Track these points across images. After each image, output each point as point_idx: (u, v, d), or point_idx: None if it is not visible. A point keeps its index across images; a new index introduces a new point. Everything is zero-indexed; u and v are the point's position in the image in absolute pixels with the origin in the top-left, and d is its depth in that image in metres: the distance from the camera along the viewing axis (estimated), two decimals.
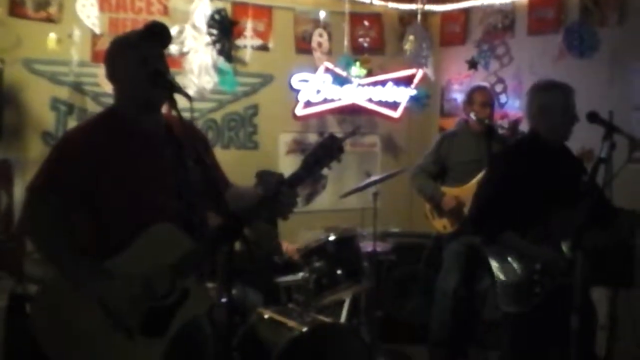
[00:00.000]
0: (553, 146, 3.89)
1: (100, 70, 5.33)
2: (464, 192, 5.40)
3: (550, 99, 3.86)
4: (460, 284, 5.50)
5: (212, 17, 5.79)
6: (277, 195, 2.69)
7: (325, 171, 2.79)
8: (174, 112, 2.66)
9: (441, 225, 5.57)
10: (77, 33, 5.29)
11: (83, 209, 2.73)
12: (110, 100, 2.97)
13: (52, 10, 5.33)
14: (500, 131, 6.09)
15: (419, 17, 6.64)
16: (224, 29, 5.86)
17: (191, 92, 5.41)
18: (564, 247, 3.67)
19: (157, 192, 2.75)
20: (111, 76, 2.84)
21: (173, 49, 5.43)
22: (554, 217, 3.68)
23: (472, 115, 5.50)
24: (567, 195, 3.65)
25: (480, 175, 5.32)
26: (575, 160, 3.97)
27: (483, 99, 5.54)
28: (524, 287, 3.73)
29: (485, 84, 6.01)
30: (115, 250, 2.68)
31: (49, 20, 5.33)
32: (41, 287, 2.84)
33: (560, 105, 3.83)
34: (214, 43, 5.80)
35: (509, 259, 3.79)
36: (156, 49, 2.79)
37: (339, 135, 2.81)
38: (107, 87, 5.11)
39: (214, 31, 5.81)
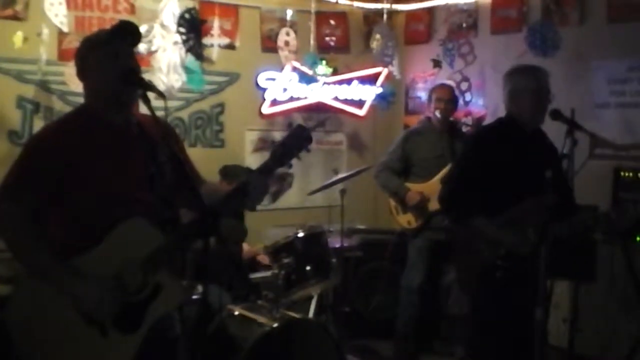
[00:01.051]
0: (527, 130, 3.93)
1: (67, 69, 5.32)
2: (428, 187, 5.48)
3: (521, 83, 3.90)
4: (425, 280, 5.57)
5: (182, 16, 5.80)
6: (246, 185, 2.70)
7: (291, 169, 2.80)
8: (147, 110, 2.67)
9: (405, 220, 5.64)
10: (45, 31, 5.25)
11: (54, 207, 2.73)
12: (77, 99, 2.98)
13: (19, 7, 5.29)
14: (465, 129, 6.19)
15: (384, 16, 6.70)
16: (194, 28, 5.87)
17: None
18: (529, 234, 3.73)
19: (129, 188, 2.76)
20: (82, 74, 2.83)
21: (142, 47, 5.41)
22: (521, 203, 3.74)
23: (437, 113, 5.59)
24: (535, 181, 3.72)
25: (443, 172, 5.42)
26: (549, 147, 4.00)
27: (446, 97, 5.63)
28: (487, 271, 3.80)
29: (448, 82, 6.10)
30: (87, 246, 2.68)
31: (15, 18, 5.29)
32: (15, 285, 2.84)
33: (531, 88, 3.87)
34: (184, 42, 5.81)
35: (475, 244, 3.85)
36: (127, 47, 2.80)
37: (307, 125, 2.84)
38: (74, 86, 5.15)
39: (184, 30, 5.82)
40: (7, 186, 2.71)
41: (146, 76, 2.81)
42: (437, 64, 6.58)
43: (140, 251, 2.69)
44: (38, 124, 5.36)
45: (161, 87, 5.57)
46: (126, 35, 2.78)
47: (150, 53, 5.65)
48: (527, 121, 3.92)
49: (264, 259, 5.30)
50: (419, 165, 5.63)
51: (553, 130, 4.03)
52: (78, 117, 2.84)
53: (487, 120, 6.11)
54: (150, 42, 5.59)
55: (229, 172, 5.40)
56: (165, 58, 5.66)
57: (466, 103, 6.46)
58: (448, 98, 5.64)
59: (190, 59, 5.93)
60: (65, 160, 2.68)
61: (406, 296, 5.65)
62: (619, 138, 5.34)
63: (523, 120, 3.92)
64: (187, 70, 5.90)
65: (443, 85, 5.79)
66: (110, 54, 2.72)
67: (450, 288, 5.81)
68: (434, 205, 5.44)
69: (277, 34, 6.46)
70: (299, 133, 2.72)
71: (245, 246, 5.39)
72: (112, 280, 2.67)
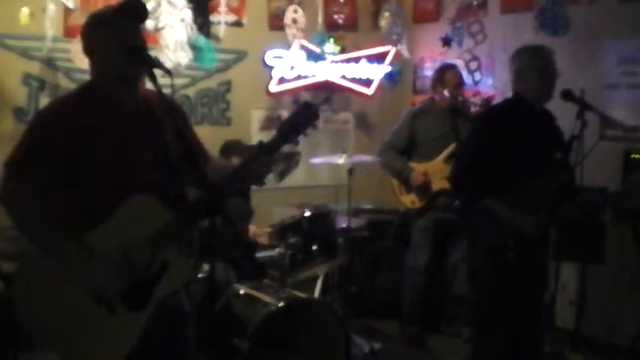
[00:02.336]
0: (535, 109, 3.94)
1: (73, 46, 5.30)
2: (432, 167, 5.48)
3: (527, 62, 3.93)
4: (431, 261, 5.57)
5: None
6: (254, 161, 2.68)
7: (295, 146, 2.78)
8: (154, 87, 2.65)
9: (410, 201, 5.63)
10: (51, 8, 5.21)
11: (62, 183, 2.72)
12: (82, 76, 2.96)
13: None
14: (473, 109, 6.15)
15: None
16: (201, 5, 5.81)
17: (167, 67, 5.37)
18: (541, 215, 3.71)
19: (136, 164, 2.74)
20: (88, 51, 2.81)
21: (149, 24, 5.37)
22: (530, 185, 3.73)
23: (446, 93, 5.55)
24: (543, 162, 3.70)
25: (447, 151, 5.40)
26: (557, 129, 4.02)
27: (456, 80, 5.61)
28: (497, 251, 3.78)
29: (455, 63, 6.07)
30: (94, 222, 2.67)
31: None
32: (22, 263, 2.83)
33: (537, 67, 3.90)
34: (194, 19, 5.76)
35: (486, 224, 3.83)
36: (133, 24, 2.77)
37: (314, 102, 2.81)
38: (80, 63, 5.13)
39: (192, 7, 5.76)
40: (14, 163, 2.69)
41: (153, 53, 2.78)
42: (446, 43, 6.52)
43: (148, 228, 2.67)
44: (44, 101, 5.34)
45: (168, 64, 5.51)
46: (133, 12, 2.76)
47: (158, 30, 5.60)
48: (535, 100, 3.94)
49: (264, 240, 5.28)
50: (423, 144, 5.61)
51: (562, 112, 4.01)
52: (84, 94, 2.82)
53: (496, 101, 6.06)
54: (157, 19, 5.53)
55: (229, 148, 5.38)
56: (172, 35, 5.60)
57: (475, 83, 6.41)
58: (458, 81, 5.62)
59: (200, 37, 5.87)
60: (71, 138, 2.66)
61: (411, 277, 5.65)
62: (629, 119, 5.28)
63: (530, 99, 3.94)
64: (197, 48, 5.85)
65: (452, 67, 5.75)
66: (117, 31, 2.69)
67: (457, 268, 5.79)
68: (437, 185, 5.45)
69: (284, 12, 6.41)
70: (306, 110, 2.69)
71: (252, 228, 5.38)
72: (120, 257, 2.66)
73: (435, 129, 5.58)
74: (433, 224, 5.54)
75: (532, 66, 3.90)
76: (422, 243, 5.59)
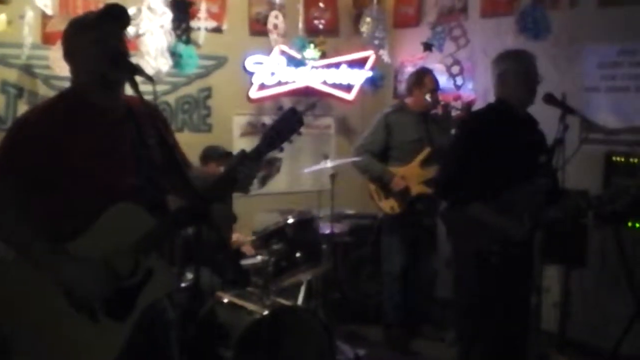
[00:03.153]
0: (517, 114, 3.94)
1: (52, 53, 5.24)
2: (408, 172, 5.49)
3: (507, 66, 3.94)
4: (406, 266, 5.55)
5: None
6: (237, 169, 2.65)
7: (278, 152, 2.76)
8: (134, 93, 2.62)
9: (388, 206, 5.59)
10: (29, 14, 5.16)
11: (41, 189, 2.68)
12: (61, 83, 2.92)
13: None
14: (454, 113, 6.17)
15: None
16: (182, 11, 5.78)
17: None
18: (525, 219, 3.72)
19: (117, 171, 2.71)
20: (68, 56, 2.77)
21: (130, 31, 5.33)
22: (515, 189, 3.73)
23: (428, 97, 5.56)
24: (527, 166, 3.70)
25: (422, 155, 5.43)
26: (540, 133, 4.02)
27: (433, 84, 5.65)
28: (482, 256, 3.77)
29: (435, 67, 6.09)
30: (75, 229, 2.64)
31: None
32: (1, 269, 2.78)
33: (517, 72, 3.90)
34: (174, 25, 5.73)
35: (470, 228, 3.83)
36: (115, 29, 2.75)
37: (299, 108, 2.79)
38: (59, 70, 5.08)
39: (172, 13, 5.72)
40: None
41: (134, 60, 2.75)
42: (427, 47, 6.51)
43: (131, 236, 2.65)
44: (22, 109, 5.27)
45: (149, 71, 5.46)
46: (116, 17, 2.73)
47: (138, 36, 5.56)
48: (517, 104, 3.95)
49: (249, 249, 5.26)
50: (397, 148, 5.61)
51: (543, 116, 4.02)
52: (64, 100, 2.78)
53: (477, 104, 6.07)
54: (137, 25, 5.50)
55: (209, 154, 5.36)
56: (152, 42, 5.56)
57: (457, 87, 6.41)
58: (435, 86, 5.67)
59: (180, 44, 5.84)
60: (50, 144, 2.63)
61: (389, 283, 5.63)
62: (609, 122, 5.31)
63: (512, 103, 3.94)
64: (176, 54, 5.83)
65: (429, 72, 5.78)
66: (99, 37, 2.66)
67: (437, 272, 5.79)
68: (415, 189, 5.45)
69: (265, 17, 6.39)
70: (291, 116, 2.68)
71: (235, 235, 5.35)
72: (102, 264, 2.62)
73: (410, 132, 5.59)
74: (409, 229, 5.52)
75: (514, 70, 3.90)
76: (398, 248, 5.58)
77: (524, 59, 3.96)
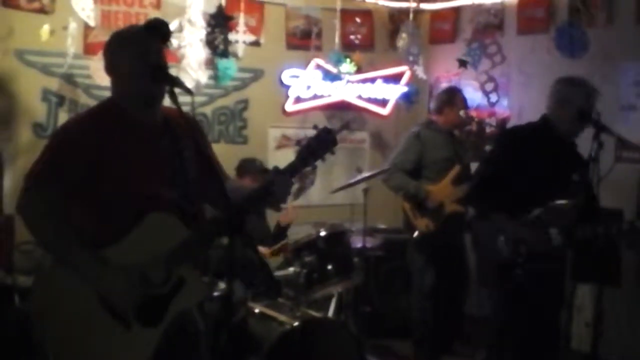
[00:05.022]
0: (558, 134, 3.95)
1: (93, 63, 5.34)
2: (441, 189, 5.46)
3: (571, 95, 3.93)
4: (437, 283, 5.52)
5: (212, 13, 5.80)
6: (271, 184, 2.71)
7: (314, 166, 2.81)
8: (174, 105, 2.67)
9: (424, 224, 5.52)
10: (72, 25, 5.27)
11: (80, 198, 2.74)
12: (102, 93, 2.99)
13: (45, 1, 5.32)
14: (488, 130, 6.17)
15: (411, 14, 6.65)
16: (221, 24, 5.86)
17: (188, 86, 5.42)
18: (552, 233, 3.71)
19: (154, 181, 2.77)
20: (110, 69, 2.84)
21: (172, 42, 5.42)
22: (545, 205, 3.72)
23: (462, 114, 5.59)
24: (561, 185, 3.70)
25: (453, 173, 5.45)
26: (578, 157, 4.02)
27: (463, 103, 5.68)
28: (507, 268, 3.77)
29: (471, 84, 6.11)
30: (111, 239, 2.69)
31: (42, 11, 5.33)
32: (37, 277, 2.85)
33: (579, 105, 3.89)
34: (214, 38, 5.81)
35: (498, 239, 3.83)
36: (156, 43, 2.80)
37: (333, 127, 2.84)
38: (99, 80, 5.17)
39: (212, 26, 5.81)
40: (34, 175, 2.73)
41: (174, 72, 2.81)
42: (462, 63, 6.52)
43: (165, 245, 2.70)
44: (63, 117, 5.39)
45: (189, 83, 5.55)
46: (156, 31, 2.79)
47: (179, 48, 5.64)
48: (563, 132, 3.96)
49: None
50: (429, 167, 5.59)
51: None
52: (104, 111, 2.85)
53: (512, 122, 6.06)
54: (179, 37, 5.58)
55: (245, 167, 5.42)
56: (193, 54, 5.64)
57: (491, 104, 6.41)
58: (465, 104, 5.70)
59: (219, 57, 5.93)
60: (91, 154, 2.69)
61: (419, 300, 5.61)
62: None
63: (559, 129, 3.95)
64: (214, 67, 5.93)
65: (460, 91, 5.82)
66: (141, 51, 2.73)
67: (469, 288, 5.77)
68: (449, 207, 5.43)
69: (302, 31, 6.45)
70: (325, 135, 2.73)
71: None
72: (137, 273, 2.68)
73: (441, 151, 5.58)
74: (440, 246, 5.52)
75: (577, 106, 3.89)
76: (428, 265, 5.55)
77: (589, 94, 3.95)
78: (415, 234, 5.56)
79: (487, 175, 3.96)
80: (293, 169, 2.75)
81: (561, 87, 3.99)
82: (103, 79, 2.93)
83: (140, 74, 2.71)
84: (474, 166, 5.00)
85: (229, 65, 6.04)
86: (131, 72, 2.74)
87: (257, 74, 6.38)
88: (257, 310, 4.45)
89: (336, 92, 6.59)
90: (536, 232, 3.72)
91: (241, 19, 6.12)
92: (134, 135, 2.77)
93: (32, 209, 2.72)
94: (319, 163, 2.78)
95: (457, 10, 6.81)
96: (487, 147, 5.52)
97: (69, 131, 2.83)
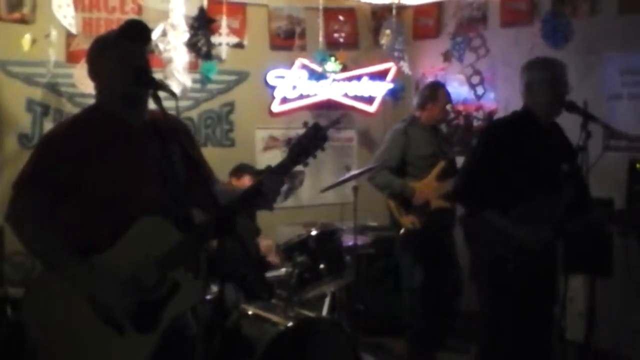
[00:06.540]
0: (543, 123, 3.92)
1: (76, 71, 5.32)
2: (426, 186, 5.44)
3: (534, 75, 3.91)
4: (426, 280, 5.51)
5: (194, 16, 5.80)
6: (262, 185, 2.69)
7: (302, 167, 2.79)
8: (157, 108, 2.66)
9: (409, 222, 5.50)
10: (54, 33, 5.24)
11: (69, 204, 2.73)
12: (86, 101, 2.97)
13: (26, 10, 5.30)
14: (475, 123, 6.17)
15: (394, 11, 6.64)
16: (203, 27, 5.84)
17: (175, 90, 5.40)
18: (544, 230, 3.70)
19: (142, 185, 2.75)
20: (93, 74, 2.83)
21: (156, 47, 5.41)
22: (535, 199, 3.72)
23: (448, 108, 5.60)
24: (550, 175, 3.69)
25: (437, 169, 5.43)
26: (565, 142, 4.00)
27: (446, 98, 5.65)
28: (498, 263, 3.77)
29: (456, 77, 6.11)
30: (103, 244, 2.68)
31: (23, 21, 5.32)
32: (28, 286, 2.83)
33: (547, 80, 3.86)
34: (197, 41, 5.80)
35: (487, 235, 3.82)
36: (137, 46, 2.79)
37: (322, 124, 2.83)
38: (83, 87, 5.15)
39: (195, 29, 5.80)
40: (21, 182, 2.72)
41: (160, 77, 2.79)
42: (447, 57, 6.52)
43: (157, 249, 2.68)
44: (48, 127, 5.35)
45: (175, 87, 5.52)
46: (136, 34, 2.78)
47: (163, 52, 5.60)
48: (543, 114, 3.92)
49: (274, 259, 5.28)
50: (413, 163, 5.56)
51: (566, 123, 4.00)
52: (90, 116, 2.85)
53: (499, 115, 6.06)
54: (163, 42, 5.56)
55: (242, 168, 5.44)
56: (177, 58, 5.62)
57: (477, 97, 6.41)
58: (448, 99, 5.68)
59: (202, 60, 5.94)
60: (76, 160, 2.68)
61: (409, 298, 5.60)
62: (632, 129, 5.28)
63: (539, 112, 3.91)
64: (202, 69, 5.95)
65: (443, 86, 5.81)
66: (122, 53, 2.72)
67: (461, 283, 5.76)
68: (434, 203, 5.42)
69: (285, 32, 6.44)
70: (315, 132, 2.71)
71: (262, 242, 5.39)
72: (129, 278, 2.66)
73: (425, 146, 5.55)
74: (428, 243, 5.50)
75: (541, 79, 3.87)
76: (417, 263, 5.52)
77: (552, 68, 3.91)
78: (402, 231, 5.54)
79: (474, 171, 3.94)
80: (285, 168, 2.73)
81: (523, 73, 3.96)
82: (87, 87, 2.92)
83: (123, 77, 2.70)
84: (460, 160, 5.01)
85: (210, 67, 6.03)
86: (113, 76, 2.74)
87: (242, 76, 6.37)
88: (250, 312, 4.44)
89: (322, 91, 6.58)
90: (527, 229, 3.71)
91: (224, 22, 6.11)
92: (122, 138, 2.76)
93: (20, 216, 2.71)
94: (309, 162, 2.77)
95: (439, 5, 6.80)
96: (474, 141, 5.50)
97: (53, 138, 2.82)
